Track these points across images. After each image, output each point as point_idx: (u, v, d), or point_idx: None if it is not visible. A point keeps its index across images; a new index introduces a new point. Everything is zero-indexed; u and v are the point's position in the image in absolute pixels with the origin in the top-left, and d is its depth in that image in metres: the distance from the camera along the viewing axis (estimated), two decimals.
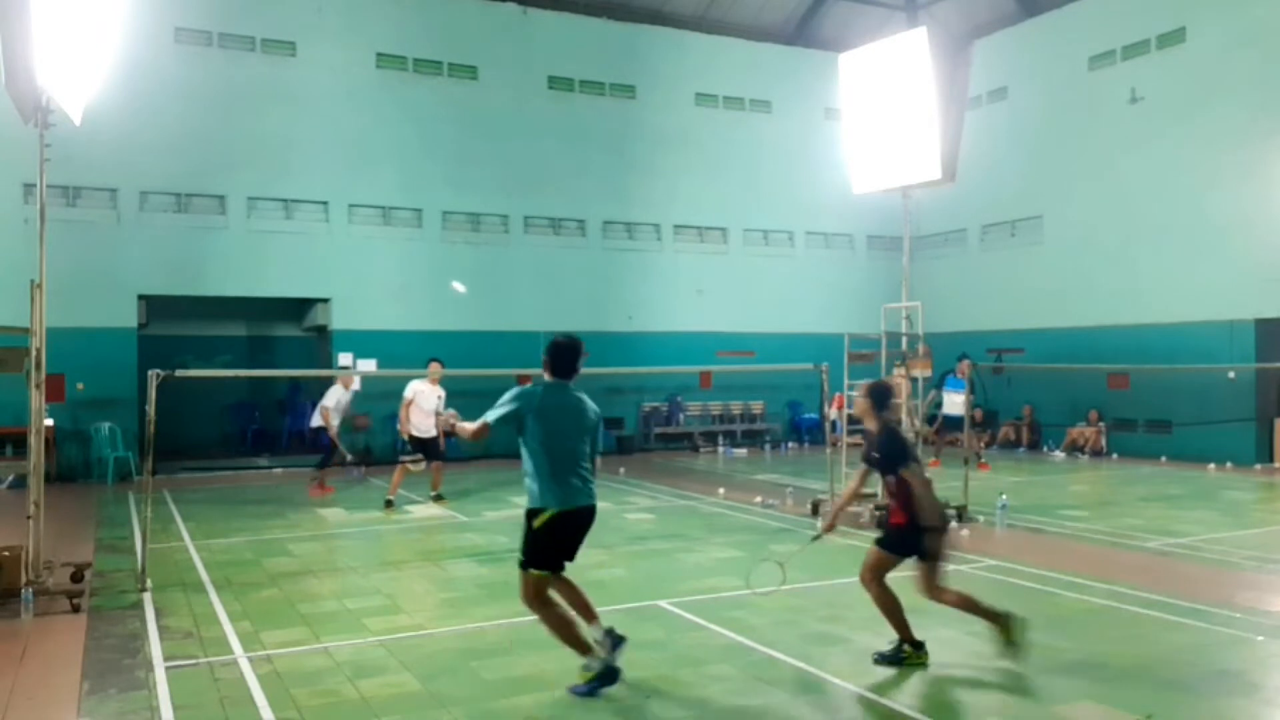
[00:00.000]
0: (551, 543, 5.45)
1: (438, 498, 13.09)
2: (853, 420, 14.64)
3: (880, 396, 6.28)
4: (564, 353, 5.65)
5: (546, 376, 5.66)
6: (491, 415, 5.40)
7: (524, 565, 5.47)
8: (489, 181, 19.60)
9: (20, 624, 7.12)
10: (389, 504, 12.66)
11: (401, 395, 13.00)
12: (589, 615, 5.67)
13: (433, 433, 12.91)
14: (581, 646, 5.49)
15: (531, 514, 5.47)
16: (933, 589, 6.01)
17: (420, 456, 12.84)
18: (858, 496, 6.38)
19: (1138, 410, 19.02)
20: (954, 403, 16.11)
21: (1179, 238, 18.20)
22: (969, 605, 6.06)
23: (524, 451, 5.47)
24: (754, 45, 22.40)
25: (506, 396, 5.46)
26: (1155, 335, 18.29)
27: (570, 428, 5.54)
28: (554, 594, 5.54)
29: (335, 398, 13.88)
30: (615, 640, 5.56)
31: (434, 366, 12.82)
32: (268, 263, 17.85)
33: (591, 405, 5.71)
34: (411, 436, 12.83)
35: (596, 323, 20.19)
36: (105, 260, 16.51)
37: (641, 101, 21.16)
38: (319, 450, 14.27)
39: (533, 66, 20.10)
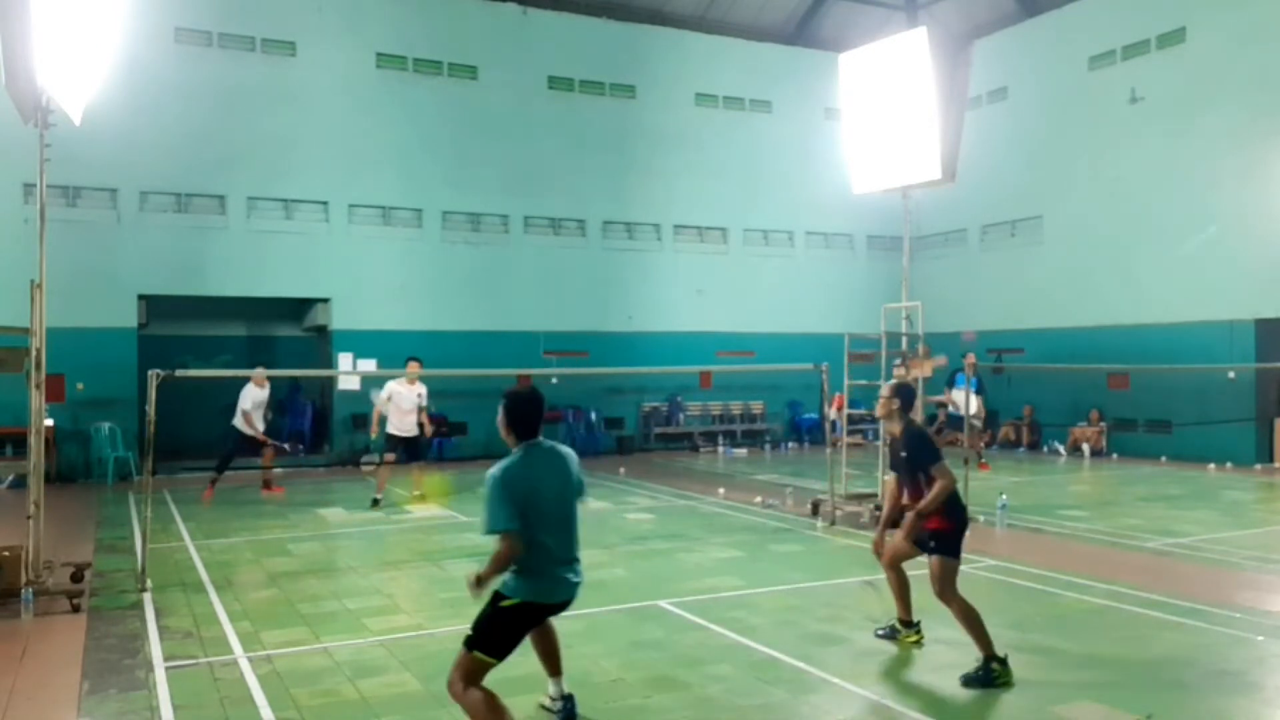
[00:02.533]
0: (514, 630, 4.59)
1: (421, 496, 13.15)
2: (853, 420, 14.65)
3: (908, 397, 6.23)
4: (526, 407, 4.74)
5: (510, 440, 4.76)
6: (503, 522, 4.47)
7: (470, 645, 4.50)
8: (489, 181, 19.59)
9: (20, 624, 7.12)
10: (375, 503, 12.74)
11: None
12: (554, 668, 5.13)
13: (413, 432, 12.91)
14: None
15: (499, 595, 4.58)
16: (945, 589, 5.82)
17: (374, 462, 12.76)
18: (899, 506, 6.22)
19: (1138, 410, 19.02)
20: (961, 401, 16.09)
21: (1179, 238, 18.20)
22: (972, 620, 5.77)
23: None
24: (754, 45, 22.39)
25: (495, 491, 4.52)
26: (1155, 335, 18.29)
27: (554, 497, 4.66)
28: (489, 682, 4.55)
29: (252, 398, 13.73)
30: (568, 710, 5.07)
31: (412, 366, 12.75)
32: (268, 263, 17.84)
33: (571, 457, 4.84)
34: (390, 435, 12.88)
35: (596, 323, 20.21)
36: (105, 260, 16.50)
37: (641, 101, 21.16)
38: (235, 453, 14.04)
39: (533, 66, 20.09)
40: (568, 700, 5.08)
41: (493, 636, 4.53)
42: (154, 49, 16.69)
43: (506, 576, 4.56)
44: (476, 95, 19.60)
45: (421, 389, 12.99)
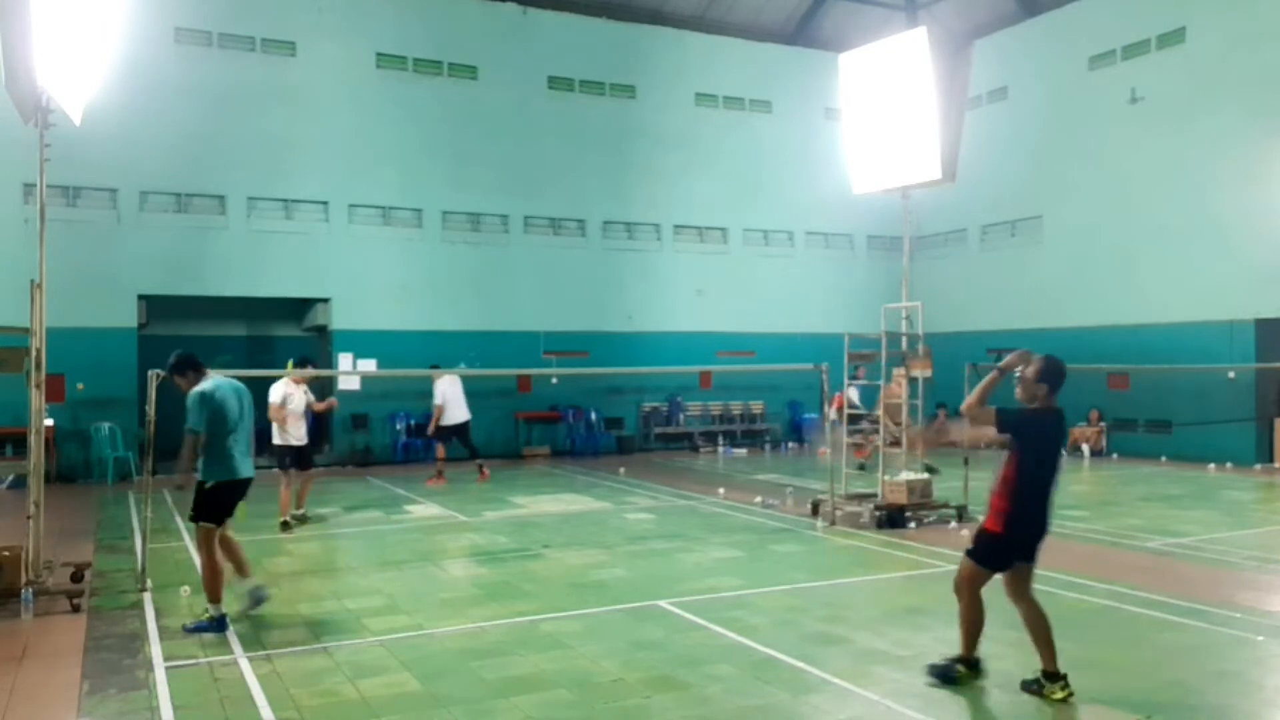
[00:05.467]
0: (218, 502, 6.97)
1: (301, 518, 11.35)
2: (853, 420, 14.60)
3: (1057, 377, 5.68)
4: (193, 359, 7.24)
5: (194, 379, 7.07)
6: (202, 426, 6.84)
7: (195, 518, 6.96)
8: (489, 181, 19.59)
9: (20, 624, 7.12)
10: (286, 525, 10.89)
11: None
12: (244, 571, 7.24)
13: (304, 440, 11.36)
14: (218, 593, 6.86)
15: (202, 482, 6.92)
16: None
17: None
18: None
19: (1138, 410, 19.02)
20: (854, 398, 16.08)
21: (1179, 238, 18.19)
22: (1040, 629, 5.62)
23: (207, 435, 6.85)
24: (754, 45, 22.39)
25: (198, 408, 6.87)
26: (1155, 335, 18.28)
27: (235, 411, 7.02)
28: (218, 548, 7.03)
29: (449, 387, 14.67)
30: (257, 598, 7.17)
31: (292, 368, 11.59)
32: (268, 263, 17.84)
33: (241, 387, 7.24)
34: (282, 446, 11.10)
35: (596, 323, 20.21)
36: (105, 260, 16.50)
37: (641, 101, 21.15)
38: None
39: (533, 66, 20.09)
40: (258, 589, 7.21)
41: (208, 509, 6.96)
42: (154, 49, 16.68)
43: (205, 469, 6.94)
44: (476, 95, 19.60)
45: (304, 386, 11.53)
